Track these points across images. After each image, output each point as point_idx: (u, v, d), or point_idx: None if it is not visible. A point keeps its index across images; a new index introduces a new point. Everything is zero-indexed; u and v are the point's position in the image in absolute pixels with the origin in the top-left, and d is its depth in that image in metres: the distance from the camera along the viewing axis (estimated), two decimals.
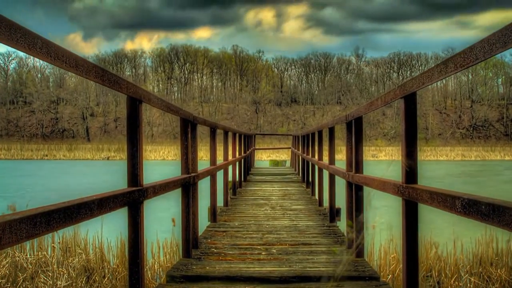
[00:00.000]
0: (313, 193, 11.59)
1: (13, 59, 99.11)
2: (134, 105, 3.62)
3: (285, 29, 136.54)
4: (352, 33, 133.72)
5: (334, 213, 8.07)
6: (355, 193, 5.55)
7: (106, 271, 7.57)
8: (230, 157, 10.79)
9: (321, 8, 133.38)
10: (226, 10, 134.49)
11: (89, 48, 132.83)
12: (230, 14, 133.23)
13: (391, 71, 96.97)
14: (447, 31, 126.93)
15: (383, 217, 11.68)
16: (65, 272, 7.23)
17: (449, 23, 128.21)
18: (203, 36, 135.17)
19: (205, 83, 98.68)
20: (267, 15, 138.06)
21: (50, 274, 7.21)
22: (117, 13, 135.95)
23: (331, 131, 7.67)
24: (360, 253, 5.52)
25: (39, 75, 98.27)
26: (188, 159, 5.63)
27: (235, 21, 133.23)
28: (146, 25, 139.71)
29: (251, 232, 7.16)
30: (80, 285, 6.98)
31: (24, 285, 6.99)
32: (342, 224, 7.53)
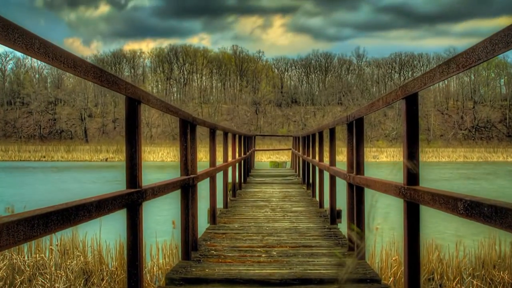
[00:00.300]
0: (313, 195, 11.58)
1: (11, 60, 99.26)
2: (133, 106, 3.62)
3: (274, 36, 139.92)
4: (339, 39, 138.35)
5: (335, 215, 8.07)
6: (356, 194, 5.55)
7: (105, 273, 7.57)
8: (229, 159, 10.79)
9: (308, 18, 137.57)
10: (217, 19, 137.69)
11: (88, 51, 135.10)
12: (221, 23, 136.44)
13: (392, 71, 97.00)
14: (428, 38, 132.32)
15: (384, 219, 11.68)
16: (63, 274, 7.22)
17: (429, 30, 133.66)
18: (196, 42, 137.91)
19: (204, 83, 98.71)
20: (256, 22, 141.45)
21: (48, 276, 7.21)
22: (112, 22, 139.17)
23: (332, 132, 7.67)
24: (361, 255, 5.52)
25: (37, 75, 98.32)
26: (187, 160, 5.63)
27: (226, 29, 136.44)
28: (141, 34, 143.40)
29: (251, 234, 7.15)
30: None
31: None
32: (343, 226, 7.53)
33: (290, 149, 26.20)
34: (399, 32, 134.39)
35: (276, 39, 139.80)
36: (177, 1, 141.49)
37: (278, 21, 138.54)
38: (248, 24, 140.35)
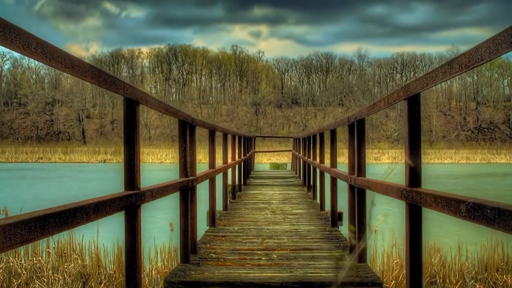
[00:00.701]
0: (314, 197, 11.59)
1: (7, 60, 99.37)
2: (131, 106, 3.62)
3: (263, 44, 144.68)
4: (324, 45, 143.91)
5: (336, 218, 8.07)
6: (358, 196, 5.55)
7: (103, 277, 7.56)
8: (229, 160, 10.79)
9: (295, 27, 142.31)
10: (207, 29, 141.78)
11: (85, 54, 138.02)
12: (213, 32, 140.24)
13: (394, 72, 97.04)
14: (411, 46, 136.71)
15: (386, 222, 11.67)
16: (61, 278, 7.22)
17: (412, 39, 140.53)
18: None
19: (204, 84, 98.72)
20: (246, 28, 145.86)
21: (45, 280, 7.21)
22: (106, 32, 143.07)
23: (333, 133, 7.67)
24: (362, 258, 5.52)
25: (34, 76, 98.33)
26: (186, 162, 5.63)
27: (217, 36, 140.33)
28: (135, 43, 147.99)
29: (251, 237, 7.15)
30: None
31: None
32: (344, 228, 7.53)
33: (291, 150, 26.20)
34: (381, 41, 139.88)
35: (264, 47, 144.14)
36: (167, 11, 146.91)
37: (265, 30, 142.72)
38: (238, 32, 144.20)
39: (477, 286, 7.28)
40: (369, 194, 5.35)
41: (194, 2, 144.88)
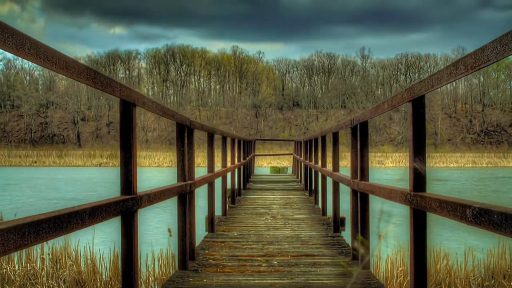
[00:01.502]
0: (316, 202, 11.58)
1: (1, 61, 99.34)
2: (128, 109, 3.62)
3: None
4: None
5: (338, 223, 8.07)
6: (361, 201, 5.55)
7: (98, 283, 7.56)
8: (228, 164, 10.79)
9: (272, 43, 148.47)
10: (193, 41, 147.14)
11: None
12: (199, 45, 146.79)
13: (398, 73, 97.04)
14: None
15: (389, 227, 11.66)
16: (55, 284, 7.22)
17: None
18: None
19: (202, 85, 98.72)
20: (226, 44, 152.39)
21: (39, 286, 7.20)
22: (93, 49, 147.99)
23: (335, 136, 7.67)
24: (365, 264, 5.51)
25: (27, 77, 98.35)
26: (184, 166, 5.63)
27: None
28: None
29: (251, 243, 7.15)
30: None
31: None
32: (347, 234, 7.52)
33: (292, 154, 26.20)
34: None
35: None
36: (151, 30, 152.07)
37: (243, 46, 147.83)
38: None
39: None
40: (375, 199, 5.35)
41: (181, 23, 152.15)
